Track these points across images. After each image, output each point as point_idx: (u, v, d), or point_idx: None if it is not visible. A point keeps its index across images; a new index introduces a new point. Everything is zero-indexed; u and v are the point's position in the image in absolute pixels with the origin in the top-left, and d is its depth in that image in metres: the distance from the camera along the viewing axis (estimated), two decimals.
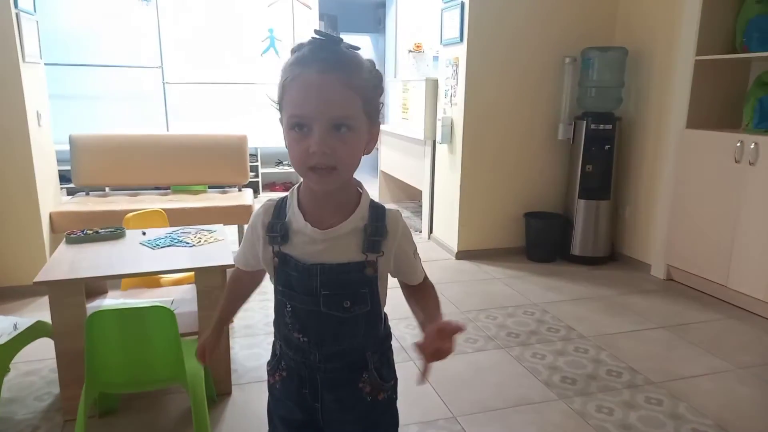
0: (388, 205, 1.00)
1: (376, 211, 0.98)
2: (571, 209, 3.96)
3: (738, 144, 3.02)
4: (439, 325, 0.89)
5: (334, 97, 0.84)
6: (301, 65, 0.85)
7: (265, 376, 1.13)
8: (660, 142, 3.62)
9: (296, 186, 1.00)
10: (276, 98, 0.91)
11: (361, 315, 0.99)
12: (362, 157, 0.94)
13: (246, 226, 1.08)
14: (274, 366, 1.09)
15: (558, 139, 3.98)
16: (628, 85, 3.80)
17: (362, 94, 0.87)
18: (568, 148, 4.00)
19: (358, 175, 0.99)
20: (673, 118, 3.47)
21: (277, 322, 1.05)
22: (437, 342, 0.87)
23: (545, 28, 3.83)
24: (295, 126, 0.86)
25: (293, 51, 0.89)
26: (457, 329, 0.88)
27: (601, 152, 3.78)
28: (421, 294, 1.08)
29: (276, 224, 0.98)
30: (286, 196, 1.01)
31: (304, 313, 0.99)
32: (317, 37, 0.86)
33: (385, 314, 1.08)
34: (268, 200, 1.03)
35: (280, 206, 1.00)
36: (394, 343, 1.13)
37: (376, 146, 0.98)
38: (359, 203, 0.97)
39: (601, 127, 3.75)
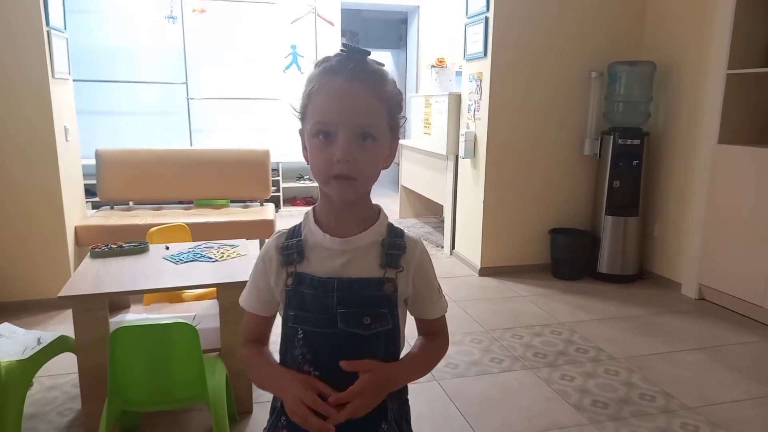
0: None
1: (395, 230, 0.97)
2: (598, 226, 3.87)
3: None
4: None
5: (361, 104, 0.84)
6: (329, 74, 0.85)
7: None
8: (690, 158, 3.53)
9: (311, 207, 0.99)
10: (299, 108, 0.90)
11: (381, 333, 0.92)
12: (382, 171, 0.94)
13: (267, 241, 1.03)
14: (272, 424, 0.97)
15: (584, 155, 3.91)
16: (657, 99, 3.72)
17: (387, 106, 0.87)
18: (594, 163, 3.92)
19: (379, 189, 0.97)
20: (704, 133, 3.39)
21: (284, 360, 0.95)
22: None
23: (570, 42, 3.78)
24: (320, 133, 0.85)
25: (319, 63, 0.89)
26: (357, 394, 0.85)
27: (629, 168, 3.70)
28: (428, 339, 1.02)
29: (291, 243, 0.95)
30: (299, 222, 0.98)
31: (318, 337, 0.91)
32: (344, 49, 0.87)
33: None
34: (279, 230, 1.00)
35: (294, 229, 0.97)
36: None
37: (395, 161, 0.98)
38: (378, 220, 0.96)
39: (629, 142, 3.67)
